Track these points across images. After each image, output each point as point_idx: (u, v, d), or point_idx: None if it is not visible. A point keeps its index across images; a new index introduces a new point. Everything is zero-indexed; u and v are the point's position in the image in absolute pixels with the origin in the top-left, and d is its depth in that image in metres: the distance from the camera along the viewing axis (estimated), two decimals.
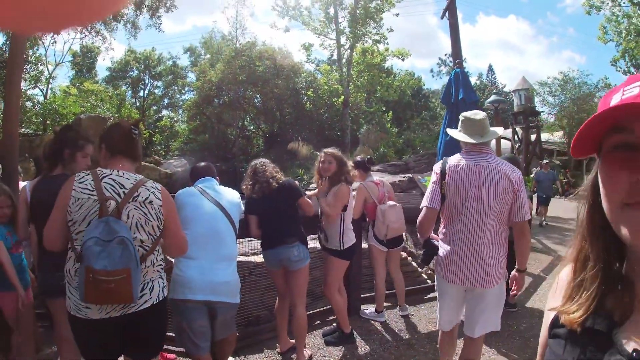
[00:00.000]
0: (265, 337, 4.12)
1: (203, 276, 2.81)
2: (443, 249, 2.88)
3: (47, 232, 2.14)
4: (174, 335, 3.06)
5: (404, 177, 10.40)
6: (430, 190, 2.85)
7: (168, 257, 2.69)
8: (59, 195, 2.14)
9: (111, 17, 20.86)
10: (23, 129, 18.67)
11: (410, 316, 4.72)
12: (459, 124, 3.02)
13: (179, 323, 2.88)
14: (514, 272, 2.91)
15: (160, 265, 2.31)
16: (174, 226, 2.35)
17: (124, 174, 2.21)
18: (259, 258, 4.58)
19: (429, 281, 5.85)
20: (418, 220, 2.91)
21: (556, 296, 0.85)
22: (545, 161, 12.94)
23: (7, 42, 17.25)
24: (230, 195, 3.21)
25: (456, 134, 3.01)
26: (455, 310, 2.94)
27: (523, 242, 2.87)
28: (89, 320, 2.09)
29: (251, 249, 4.82)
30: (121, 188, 2.15)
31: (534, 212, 9.79)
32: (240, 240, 3.67)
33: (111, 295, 1.97)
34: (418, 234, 3.05)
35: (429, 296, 5.28)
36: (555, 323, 0.81)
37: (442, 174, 2.82)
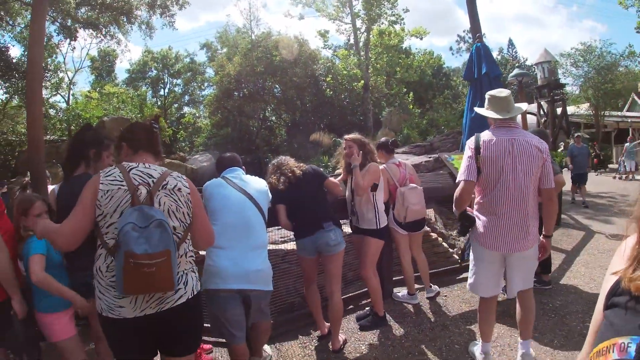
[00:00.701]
0: (299, 324, 4.15)
1: (235, 265, 2.84)
2: (482, 219, 3.05)
3: (68, 230, 2.03)
4: (209, 325, 3.10)
5: (429, 157, 10.28)
6: (467, 164, 3.00)
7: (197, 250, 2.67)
8: (82, 191, 2.08)
9: (125, 19, 21.09)
10: (48, 136, 19.18)
11: (443, 297, 4.69)
12: (486, 102, 3.25)
13: (214, 313, 2.91)
14: (541, 237, 3.14)
15: (192, 256, 2.29)
16: (202, 215, 2.33)
17: (149, 166, 2.22)
18: (289, 246, 4.62)
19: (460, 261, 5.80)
20: (456, 194, 3.04)
21: (622, 259, 0.81)
22: (577, 134, 12.47)
23: (25, 53, 17.68)
24: (258, 184, 3.23)
25: (484, 111, 3.21)
26: (494, 275, 3.12)
27: (551, 207, 3.09)
28: (123, 320, 2.03)
29: (281, 237, 4.85)
30: (150, 178, 2.14)
31: (566, 187, 9.53)
32: (270, 228, 3.68)
33: (152, 281, 1.91)
34: (454, 207, 3.15)
35: (461, 277, 5.22)
36: (614, 291, 0.78)
37: (477, 149, 2.99)
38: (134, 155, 2.30)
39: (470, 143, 3.07)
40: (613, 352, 0.75)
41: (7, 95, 21.25)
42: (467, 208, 3.14)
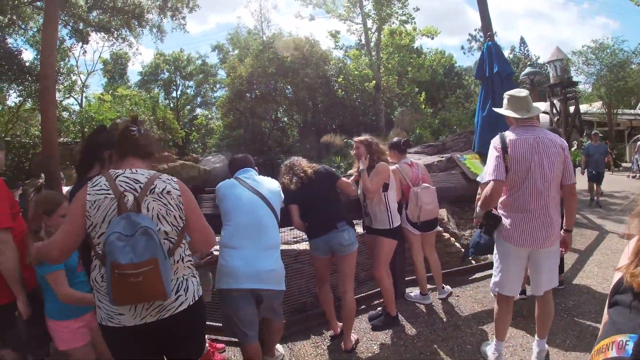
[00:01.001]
0: (312, 323, 4.17)
1: (248, 265, 2.85)
2: (510, 216, 3.09)
3: (59, 242, 2.04)
4: (222, 325, 3.11)
5: (441, 157, 10.21)
6: (495, 164, 3.01)
7: (195, 254, 2.59)
8: (71, 203, 2.07)
9: (136, 22, 21.31)
10: (62, 138, 19.36)
11: (455, 297, 4.68)
12: (505, 102, 3.30)
13: (226, 313, 2.94)
14: (562, 232, 3.19)
15: (190, 260, 2.22)
16: (195, 217, 2.22)
17: (136, 171, 2.14)
18: (302, 246, 4.65)
19: (472, 262, 5.78)
20: (486, 193, 3.05)
21: (626, 257, 0.82)
22: (594, 131, 12.29)
23: (38, 56, 17.89)
24: (270, 184, 3.25)
25: (504, 111, 3.27)
26: (519, 272, 3.19)
27: (572, 202, 3.19)
28: (123, 328, 2.01)
29: (293, 238, 4.87)
30: (136, 183, 2.08)
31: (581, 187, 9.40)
32: (283, 229, 3.69)
33: (141, 290, 1.87)
34: (480, 207, 3.19)
35: (473, 277, 5.22)
36: (617, 288, 0.79)
37: (504, 148, 3.03)
38: (121, 161, 2.25)
39: (496, 143, 3.10)
40: (612, 349, 0.76)
41: (20, 99, 21.53)
42: None
